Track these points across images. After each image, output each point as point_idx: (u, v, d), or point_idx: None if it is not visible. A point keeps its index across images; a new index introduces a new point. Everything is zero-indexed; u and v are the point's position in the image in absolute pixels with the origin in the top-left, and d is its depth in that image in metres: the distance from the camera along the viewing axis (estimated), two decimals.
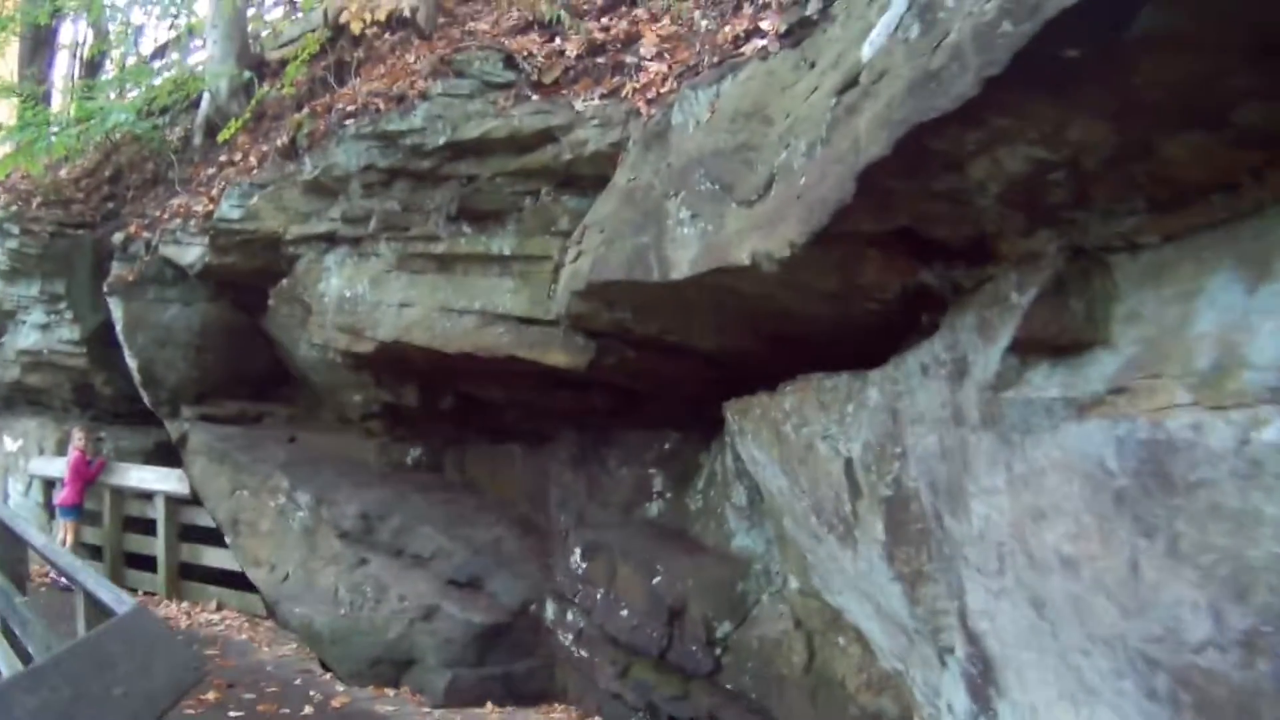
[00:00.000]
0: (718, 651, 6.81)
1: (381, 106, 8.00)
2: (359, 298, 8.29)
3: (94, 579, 5.06)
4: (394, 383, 8.92)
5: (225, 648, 9.27)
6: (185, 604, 10.84)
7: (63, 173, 13.93)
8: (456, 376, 8.34)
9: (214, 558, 10.61)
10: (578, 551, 7.87)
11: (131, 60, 16.42)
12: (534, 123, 7.16)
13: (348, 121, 8.23)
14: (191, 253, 10.15)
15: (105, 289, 10.81)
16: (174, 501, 10.92)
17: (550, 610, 8.05)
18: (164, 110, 13.77)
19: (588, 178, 7.00)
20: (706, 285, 4.93)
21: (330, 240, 8.74)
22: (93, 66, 18.26)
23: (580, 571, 7.80)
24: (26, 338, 12.74)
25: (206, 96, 12.80)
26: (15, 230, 11.96)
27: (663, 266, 5.15)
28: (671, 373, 7.02)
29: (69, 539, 11.62)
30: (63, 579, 11.62)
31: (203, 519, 10.61)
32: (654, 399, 7.91)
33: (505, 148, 7.37)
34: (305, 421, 10.91)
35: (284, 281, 9.17)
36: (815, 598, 6.30)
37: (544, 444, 8.90)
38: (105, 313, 11.25)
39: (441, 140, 7.58)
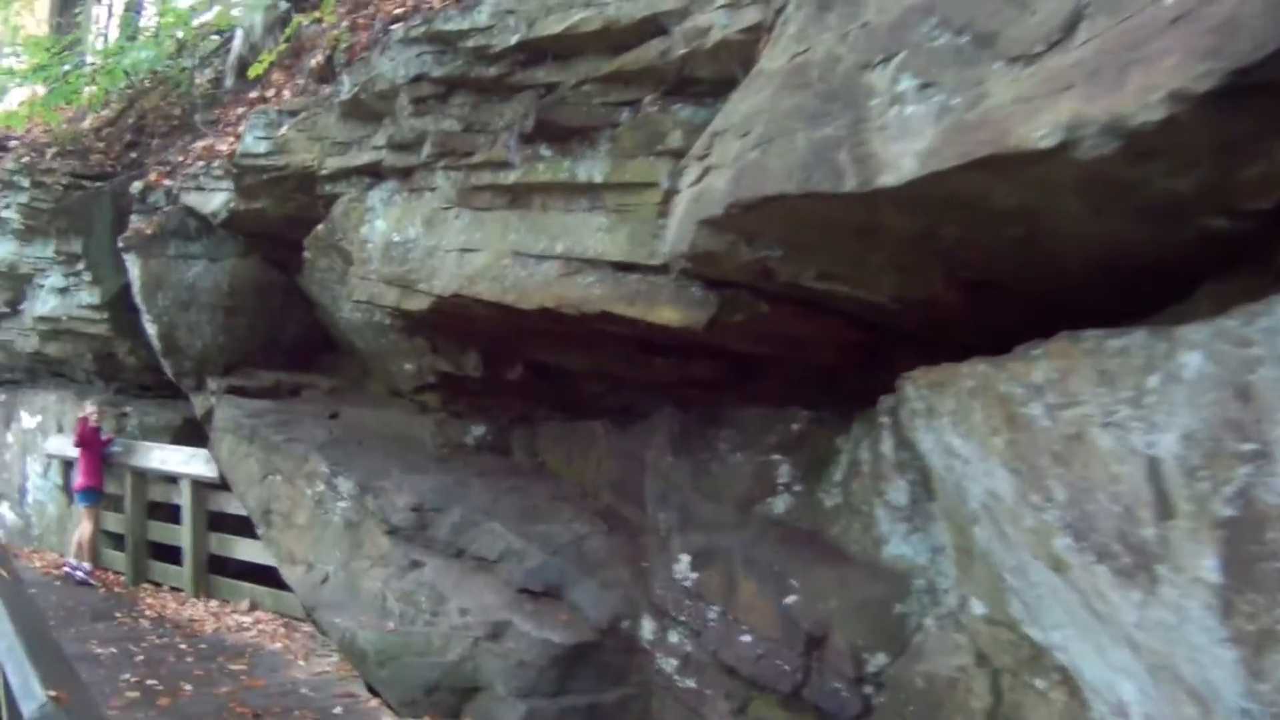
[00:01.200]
0: (868, 690, 5.30)
1: (436, 3, 6.38)
2: (410, 243, 6.74)
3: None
4: (453, 348, 7.37)
5: (254, 661, 7.82)
6: (214, 602, 9.42)
7: (85, 124, 12.51)
8: (529, 340, 6.79)
9: (247, 550, 9.15)
10: (685, 559, 6.28)
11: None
12: (634, 10, 5.50)
13: (394, 27, 6.62)
14: (215, 199, 8.66)
15: (120, 244, 9.33)
16: (201, 486, 9.47)
17: (647, 629, 6.47)
18: (195, 53, 12.36)
19: (707, 81, 5.36)
20: (939, 194, 3.29)
21: (374, 174, 7.21)
22: (129, 18, 16.91)
23: (688, 583, 6.21)
24: (44, 303, 11.36)
25: (239, 34, 11.41)
26: (26, 183, 10.54)
27: (863, 168, 3.50)
28: (808, 334, 5.48)
29: (89, 528, 10.22)
30: (79, 571, 10.33)
31: (234, 506, 9.14)
32: (771, 369, 6.34)
33: (596, 45, 5.76)
34: (350, 395, 9.42)
35: (319, 228, 7.64)
36: (1009, 628, 4.75)
37: (634, 422, 7.32)
38: (127, 274, 9.78)
39: (513, 40, 5.98)
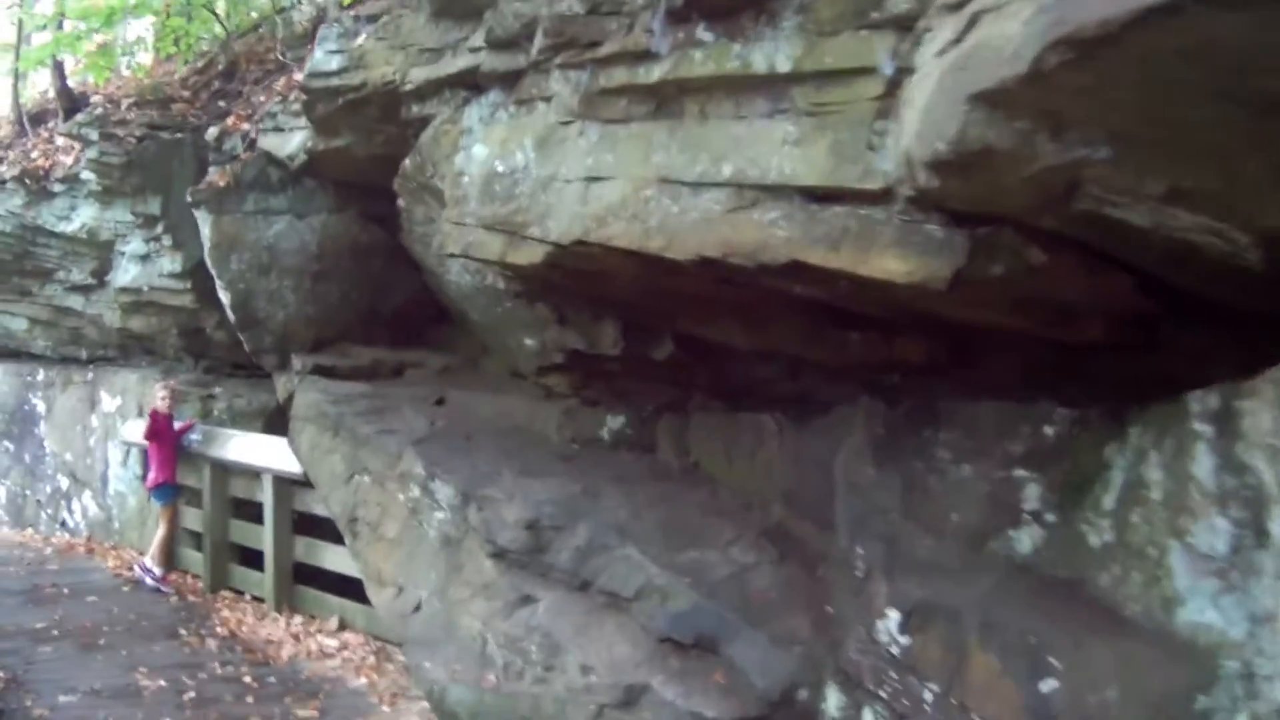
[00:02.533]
0: None
1: None
2: (517, 173, 5.14)
3: None
4: (584, 318, 5.84)
5: (328, 705, 6.45)
6: (298, 619, 8.04)
7: (178, 75, 11.31)
8: (681, 306, 5.17)
9: (337, 559, 7.72)
10: (893, 615, 4.54)
11: None
12: None
13: None
14: (293, 140, 7.29)
15: (189, 198, 7.97)
16: (286, 482, 8.09)
17: (832, 703, 4.79)
18: None
19: None
20: None
21: (470, 85, 5.71)
22: None
23: (896, 649, 4.49)
24: (126, 273, 10.20)
25: None
26: (94, 135, 9.28)
27: None
28: (1083, 299, 3.87)
29: (166, 530, 8.95)
30: (149, 576, 9.08)
31: (325, 506, 7.69)
32: (1005, 349, 4.61)
33: None
34: (463, 376, 7.97)
35: (406, 163, 6.16)
36: None
37: (816, 416, 5.64)
38: None
39: None
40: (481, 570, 5.93)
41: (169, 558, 9.11)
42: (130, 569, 9.28)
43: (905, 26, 3.66)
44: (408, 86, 5.99)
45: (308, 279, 7.75)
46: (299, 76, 7.76)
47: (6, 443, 12.92)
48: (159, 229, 9.47)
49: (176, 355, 10.56)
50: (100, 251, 10.66)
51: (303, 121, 7.17)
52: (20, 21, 12.66)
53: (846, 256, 3.83)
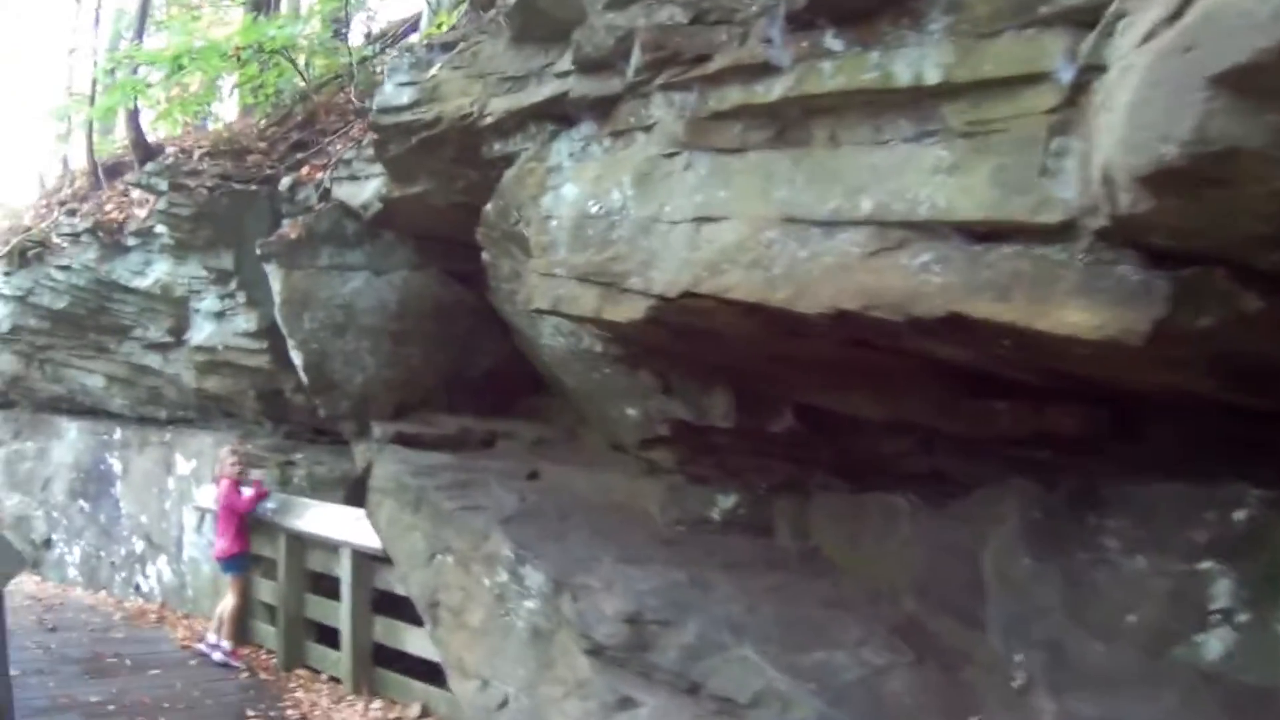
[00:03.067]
0: None
1: None
2: (614, 214, 4.59)
3: None
4: (692, 385, 5.31)
5: None
6: (378, 704, 7.48)
7: (256, 125, 11.05)
8: (803, 372, 4.55)
9: (420, 642, 7.15)
10: None
11: None
12: None
13: None
14: (368, 188, 6.87)
15: (259, 251, 7.58)
16: (365, 558, 7.57)
17: None
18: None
19: None
20: None
21: (558, 116, 5.21)
22: None
23: None
24: (200, 331, 9.87)
25: (425, 11, 9.86)
26: (163, 185, 8.98)
27: None
28: None
29: (237, 602, 8.52)
30: (218, 650, 8.64)
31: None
32: (1171, 419, 3.94)
33: None
34: (559, 449, 7.45)
35: (488, 208, 5.62)
36: None
37: (955, 497, 5.00)
38: None
39: None
40: (576, 667, 5.34)
41: (240, 631, 8.67)
42: (200, 640, 8.85)
43: (1085, 21, 3.05)
44: (487, 119, 5.49)
45: (387, 340, 7.30)
46: None
47: (82, 502, 12.71)
48: (232, 285, 9.12)
49: (255, 418, 10.20)
50: (176, 308, 10.38)
51: (378, 168, 6.74)
52: (96, 72, 12.60)
53: (1019, 308, 3.22)
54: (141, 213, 10.58)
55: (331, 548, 7.95)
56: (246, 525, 8.50)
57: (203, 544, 9.88)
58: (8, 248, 12.51)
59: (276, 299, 7.48)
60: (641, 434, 6.15)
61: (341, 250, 7.46)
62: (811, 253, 3.76)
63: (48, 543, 13.45)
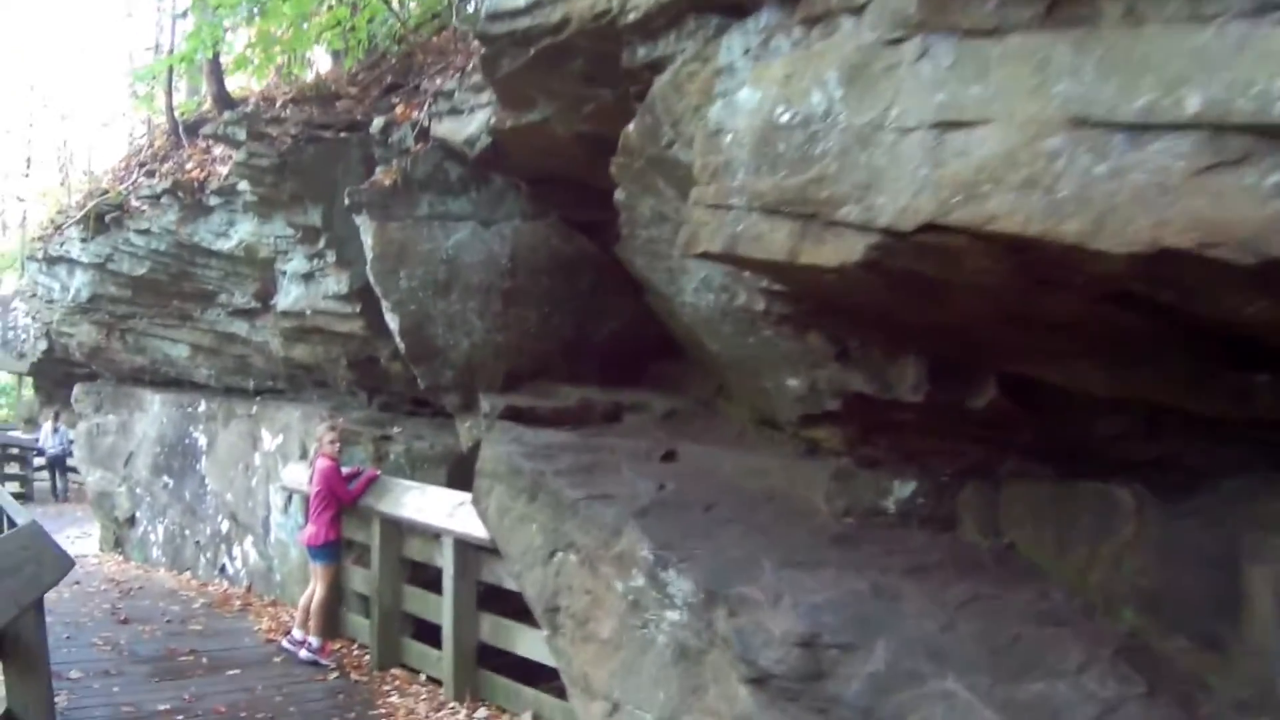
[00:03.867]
0: None
1: None
2: (815, 122, 3.51)
3: None
4: (873, 351, 4.38)
5: None
6: (483, 712, 6.61)
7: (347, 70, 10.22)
8: (1027, 335, 3.51)
9: (532, 644, 6.25)
10: None
11: None
12: None
13: None
14: (474, 121, 5.94)
15: (348, 202, 6.71)
16: (470, 549, 6.68)
17: None
18: None
19: None
20: None
21: (726, 6, 4.17)
22: None
23: None
24: (287, 295, 9.10)
25: None
26: (241, 134, 8.17)
27: None
28: None
29: (323, 592, 7.71)
30: (304, 648, 7.84)
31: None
32: None
33: None
34: (695, 424, 6.52)
35: (629, 130, 4.61)
36: None
37: (1195, 489, 3.93)
38: None
39: None
40: (733, 698, 4.37)
41: (329, 623, 7.89)
42: (287, 633, 8.08)
43: None
44: (630, 16, 4.46)
45: (497, 300, 6.39)
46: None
47: (166, 478, 12.10)
48: (321, 243, 8.31)
49: (348, 389, 9.43)
50: (262, 271, 9.65)
51: (485, 98, 5.83)
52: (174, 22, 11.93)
53: None
54: (224, 170, 9.86)
55: (432, 535, 7.10)
56: (338, 512, 7.69)
57: (290, 526, 9.13)
58: (83, 212, 11.93)
59: (369, 255, 6.60)
60: (804, 409, 5.17)
61: (443, 198, 6.57)
62: (1114, 168, 2.70)
63: (131, 520, 12.90)
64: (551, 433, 6.06)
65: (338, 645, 7.95)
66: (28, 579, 4.72)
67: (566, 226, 6.54)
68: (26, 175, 25.27)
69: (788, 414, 5.27)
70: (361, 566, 8.07)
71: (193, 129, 11.68)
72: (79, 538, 14.83)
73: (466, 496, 6.68)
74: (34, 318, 15.99)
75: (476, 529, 6.43)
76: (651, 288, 5.99)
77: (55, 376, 16.75)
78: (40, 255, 13.18)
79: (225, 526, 10.80)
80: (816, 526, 5.14)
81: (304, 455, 8.91)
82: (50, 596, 9.99)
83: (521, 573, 5.72)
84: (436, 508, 6.94)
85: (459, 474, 8.20)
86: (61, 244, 12.52)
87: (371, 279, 6.60)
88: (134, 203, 11.13)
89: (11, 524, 8.16)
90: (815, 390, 4.83)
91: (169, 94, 12.78)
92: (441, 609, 6.97)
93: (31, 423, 21.46)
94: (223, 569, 10.80)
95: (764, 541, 4.95)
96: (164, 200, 10.55)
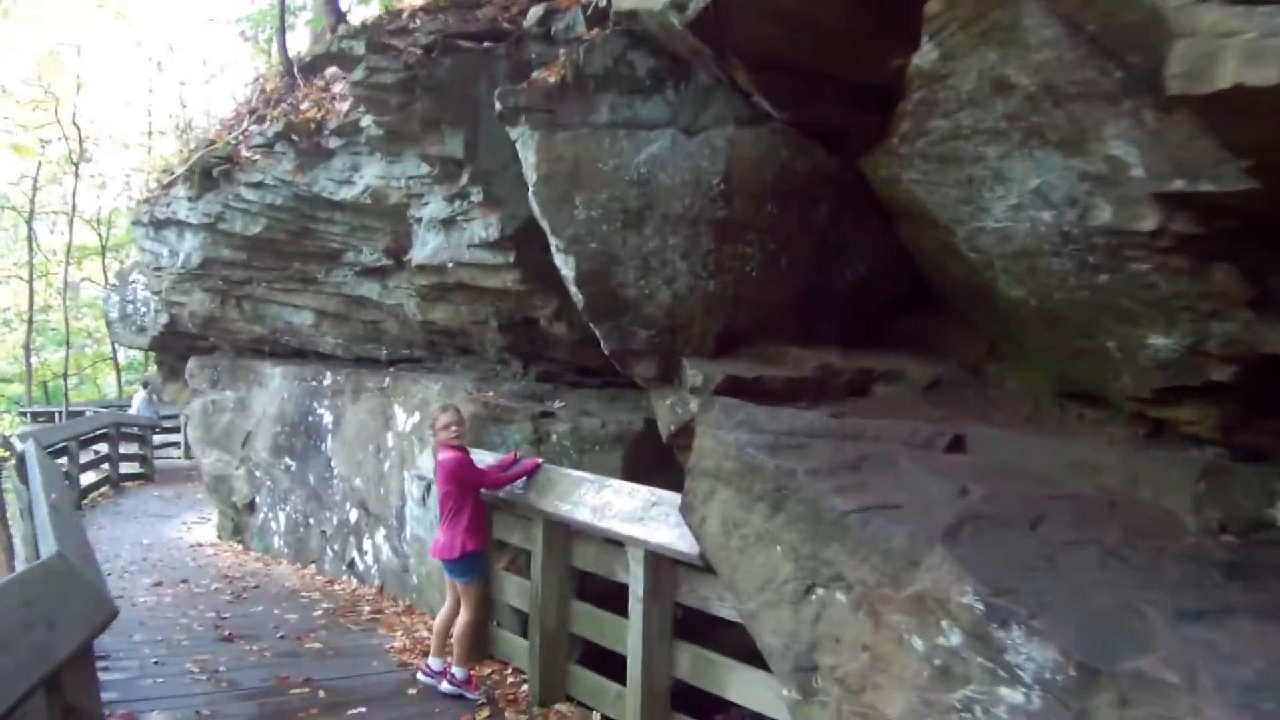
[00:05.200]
0: None
1: None
2: None
3: None
4: None
5: None
6: None
7: None
8: None
9: (749, 689, 4.70)
10: None
11: None
12: None
13: None
14: None
15: (498, 108, 5.18)
16: (667, 563, 5.14)
17: None
18: None
19: None
20: None
21: None
22: None
23: None
24: (424, 246, 7.70)
25: None
26: (359, 48, 6.74)
27: None
28: None
29: (471, 615, 6.27)
30: (447, 680, 6.30)
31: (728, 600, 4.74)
32: None
33: None
34: (967, 397, 4.95)
35: None
36: None
37: None
38: None
39: None
40: None
41: (477, 644, 6.45)
42: (425, 654, 6.66)
43: None
44: None
45: (708, 234, 4.81)
46: None
47: (288, 459, 10.89)
48: (463, 180, 6.86)
49: (498, 356, 7.99)
50: (393, 221, 8.28)
51: None
52: None
53: None
54: (344, 107, 8.52)
55: (613, 543, 5.57)
56: (484, 512, 6.23)
57: (428, 520, 7.73)
58: (186, 165, 10.74)
59: (531, 177, 5.05)
60: (1171, 378, 3.52)
61: (629, 99, 5.00)
62: None
63: (250, 506, 11.75)
64: (790, 412, 4.44)
65: (486, 671, 6.52)
66: (31, 652, 3.30)
67: (797, 134, 4.91)
68: (149, 148, 24.63)
69: (1137, 385, 3.65)
70: (515, 573, 6.63)
71: (310, 69, 10.40)
72: (197, 523, 13.81)
73: (662, 495, 5.16)
74: (150, 289, 15.07)
75: (675, 538, 4.90)
76: (921, 215, 4.38)
77: (178, 350, 15.83)
78: (146, 219, 12.06)
79: (354, 516, 9.50)
80: (1190, 549, 3.49)
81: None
82: (148, 601, 8.83)
83: (756, 612, 4.13)
84: (621, 509, 5.40)
85: (636, 459, 6.79)
86: (168, 204, 11.41)
87: (536, 209, 5.05)
88: (244, 153, 9.90)
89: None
90: (1198, 352, 3.21)
91: (282, 32, 11.58)
92: (625, 635, 5.45)
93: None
94: (351, 564, 9.53)
95: (1133, 576, 3.31)
96: (277, 147, 9.30)
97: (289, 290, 10.74)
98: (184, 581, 9.45)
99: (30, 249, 24.75)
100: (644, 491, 5.35)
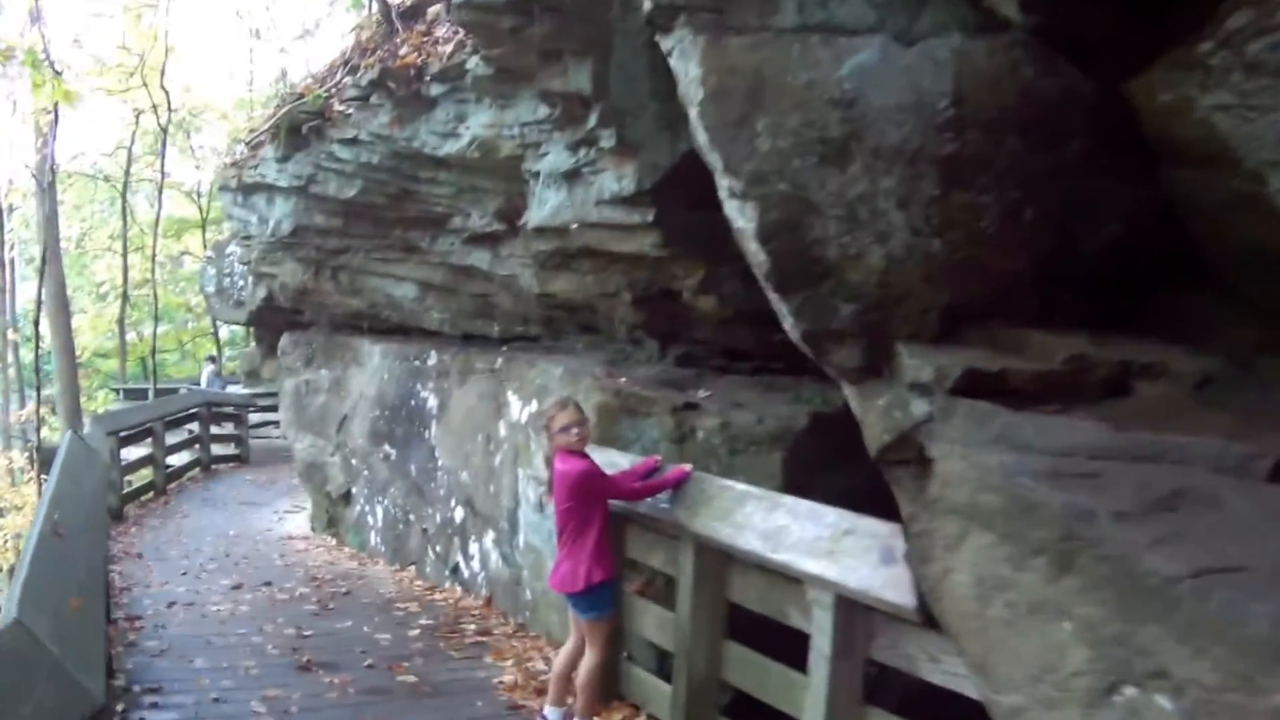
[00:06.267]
0: None
1: None
2: None
3: None
4: None
5: None
6: None
7: None
8: None
9: None
10: None
11: None
12: None
13: None
14: None
15: (648, 6, 4.01)
16: (860, 611, 3.96)
17: None
18: None
19: None
20: None
21: None
22: None
23: None
24: (542, 205, 6.62)
25: None
26: None
27: None
28: None
29: (592, 658, 5.14)
30: None
31: (956, 671, 3.54)
32: None
33: None
34: (1245, 398, 3.57)
35: None
36: None
37: None
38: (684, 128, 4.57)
39: None
40: None
41: (598, 695, 5.32)
42: (540, 693, 5.58)
43: None
44: None
45: (933, 175, 3.54)
46: None
47: (387, 447, 9.96)
48: (591, 121, 5.75)
49: (629, 335, 6.87)
50: (506, 178, 7.25)
51: None
52: None
53: None
54: (448, 49, 7.49)
55: (787, 578, 4.40)
56: (611, 531, 5.10)
57: (546, 529, 6.65)
58: (272, 121, 9.82)
59: (694, 94, 3.82)
60: None
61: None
62: None
63: (346, 497, 10.85)
64: (1066, 423, 3.20)
65: (616, 717, 5.42)
66: None
67: (1043, 46, 3.66)
68: (249, 118, 24.12)
69: None
70: (650, 599, 5.51)
71: (410, 15, 9.39)
72: (290, 512, 13.04)
73: (856, 521, 4.01)
74: (239, 260, 14.37)
75: (879, 581, 3.75)
76: (1216, 156, 3.21)
77: (277, 326, 15.09)
78: (234, 183, 11.20)
79: (459, 515, 8.51)
80: None
81: (564, 431, 6.39)
82: (222, 611, 7.65)
83: (1024, 709, 2.93)
84: (802, 537, 4.23)
85: (798, 463, 5.63)
86: (256, 167, 10.53)
87: (701, 139, 3.82)
88: (337, 107, 8.93)
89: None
90: None
91: None
92: (800, 697, 4.30)
93: (254, 376, 20.19)
94: (455, 569, 8.53)
95: None
96: (373, 99, 8.33)
97: (389, 260, 9.81)
98: (266, 585, 8.55)
99: (125, 221, 24.37)
100: (831, 516, 4.17)
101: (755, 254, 3.66)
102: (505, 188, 7.45)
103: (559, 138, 6.23)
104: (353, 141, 8.72)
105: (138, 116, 24.84)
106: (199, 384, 20.08)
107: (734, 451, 5.71)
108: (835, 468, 5.86)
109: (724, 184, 3.76)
